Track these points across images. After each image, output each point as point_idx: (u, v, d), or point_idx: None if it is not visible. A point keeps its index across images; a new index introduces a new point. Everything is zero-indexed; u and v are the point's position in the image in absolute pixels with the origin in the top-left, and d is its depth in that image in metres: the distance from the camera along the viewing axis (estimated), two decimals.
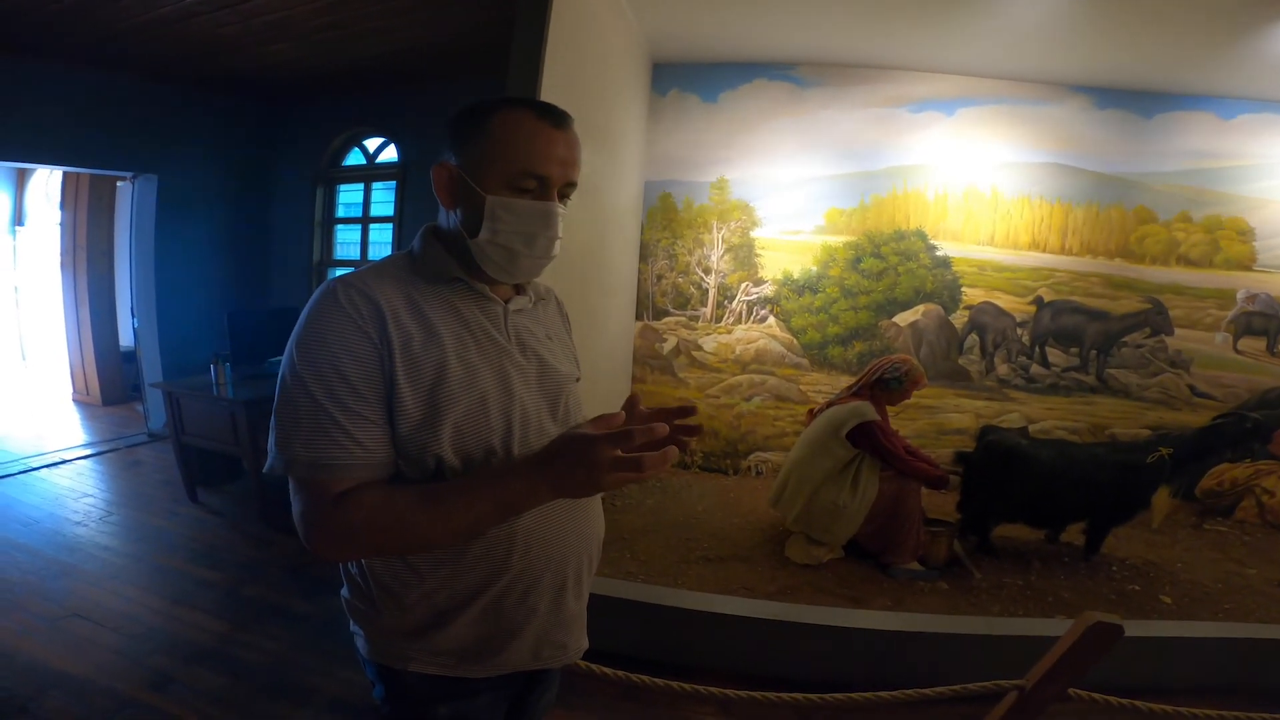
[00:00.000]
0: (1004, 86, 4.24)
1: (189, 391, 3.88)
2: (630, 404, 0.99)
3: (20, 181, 6.80)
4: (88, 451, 4.78)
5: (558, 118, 0.97)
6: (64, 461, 4.55)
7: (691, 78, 4.38)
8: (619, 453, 0.79)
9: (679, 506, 3.84)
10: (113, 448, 4.90)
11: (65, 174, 5.85)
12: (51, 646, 2.44)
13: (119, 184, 5.71)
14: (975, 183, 4.33)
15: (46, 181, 6.57)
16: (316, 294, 0.92)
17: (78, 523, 3.58)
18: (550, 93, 2.48)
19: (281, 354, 0.92)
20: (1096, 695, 1.78)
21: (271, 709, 2.17)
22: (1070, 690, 1.74)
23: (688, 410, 0.96)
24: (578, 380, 1.15)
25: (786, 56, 4.21)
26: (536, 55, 2.41)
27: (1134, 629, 2.53)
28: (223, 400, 3.72)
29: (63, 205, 5.99)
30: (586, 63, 3.01)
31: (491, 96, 0.99)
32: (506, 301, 1.04)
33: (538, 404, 1.01)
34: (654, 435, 0.79)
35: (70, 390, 6.15)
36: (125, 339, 6.06)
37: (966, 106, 4.28)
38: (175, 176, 5.18)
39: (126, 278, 5.66)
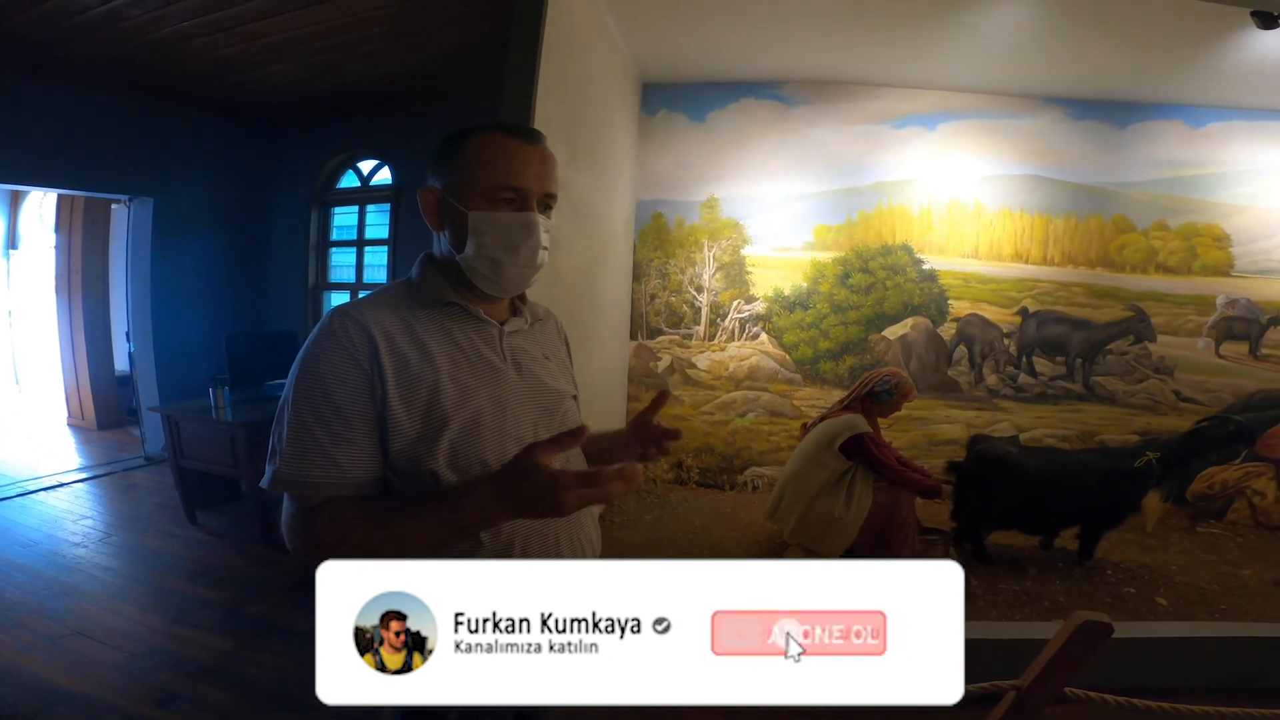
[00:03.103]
0: (982, 100, 4.34)
1: (188, 415, 3.91)
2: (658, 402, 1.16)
3: (14, 204, 6.82)
4: (84, 475, 4.78)
5: (529, 134, 1.05)
6: (60, 485, 4.54)
7: (680, 98, 4.46)
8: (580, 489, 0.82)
9: (676, 521, 3.88)
10: (109, 471, 4.90)
11: (60, 196, 5.87)
12: (54, 664, 2.46)
13: (114, 207, 5.74)
14: (958, 196, 4.42)
15: (40, 204, 6.59)
16: (320, 323, 1.00)
17: (77, 544, 3.59)
18: (543, 115, 2.54)
19: (280, 377, 1.01)
20: (1093, 694, 1.82)
21: None
22: (1066, 690, 1.79)
23: (659, 402, 1.13)
24: (575, 397, 1.20)
25: (772, 75, 4.30)
26: (530, 79, 2.48)
27: (1131, 630, 2.59)
28: (222, 424, 3.74)
29: (57, 228, 6.02)
30: (577, 85, 3.08)
31: (469, 123, 1.07)
32: (502, 323, 1.10)
33: (533, 421, 1.06)
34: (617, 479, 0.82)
35: (65, 414, 6.14)
36: (120, 363, 6.06)
37: (947, 121, 4.38)
38: (171, 199, 5.21)
39: (122, 301, 5.68)
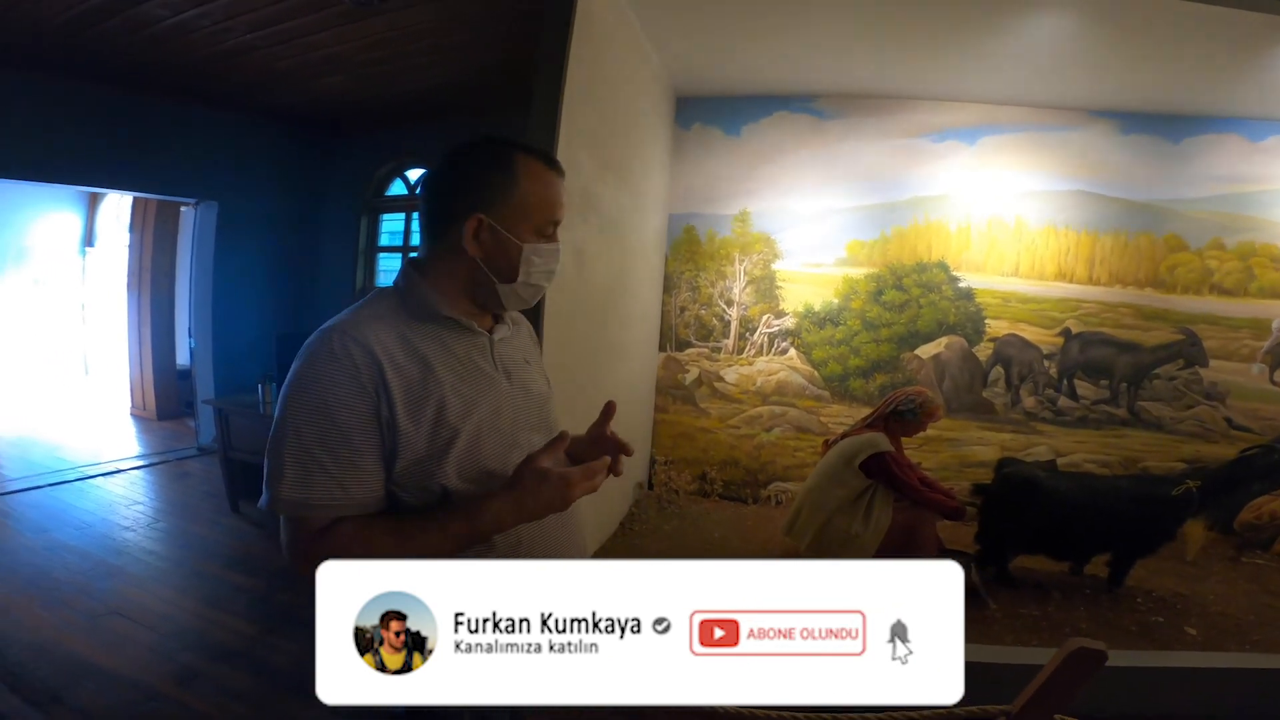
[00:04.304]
0: (1026, 113, 4.22)
1: (237, 408, 4.11)
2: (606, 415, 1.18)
3: (92, 204, 7.26)
4: (141, 462, 5.07)
5: (558, 165, 1.11)
6: (118, 471, 4.83)
7: (714, 111, 4.46)
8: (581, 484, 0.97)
9: (696, 533, 3.89)
10: (164, 460, 5.18)
11: (135, 199, 6.24)
12: (90, 641, 2.62)
13: (183, 209, 6.07)
14: (999, 213, 4.31)
15: (118, 205, 7.00)
16: (313, 342, 0.99)
17: (126, 528, 3.81)
18: (569, 129, 2.60)
19: None
20: None
21: (286, 708, 2.30)
22: (1056, 717, 1.75)
23: (609, 412, 1.18)
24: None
25: (807, 89, 4.27)
26: (555, 95, 2.55)
27: (1147, 659, 2.52)
28: (268, 418, 3.92)
29: (132, 228, 6.40)
30: (607, 99, 3.13)
31: (496, 140, 1.08)
32: (490, 333, 1.12)
33: (527, 427, 1.12)
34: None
35: (129, 404, 6.50)
36: (182, 358, 6.39)
37: (989, 135, 4.27)
38: (234, 203, 5.50)
39: (186, 299, 6.00)
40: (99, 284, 7.18)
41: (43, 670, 2.40)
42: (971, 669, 2.57)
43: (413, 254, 4.74)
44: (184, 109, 5.02)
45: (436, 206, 1.09)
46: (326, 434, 0.94)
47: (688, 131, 4.51)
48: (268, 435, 0.97)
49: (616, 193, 3.39)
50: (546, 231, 1.08)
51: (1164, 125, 4.15)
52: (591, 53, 2.79)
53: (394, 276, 1.11)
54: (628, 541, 3.67)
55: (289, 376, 0.98)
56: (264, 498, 0.98)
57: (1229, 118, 4.08)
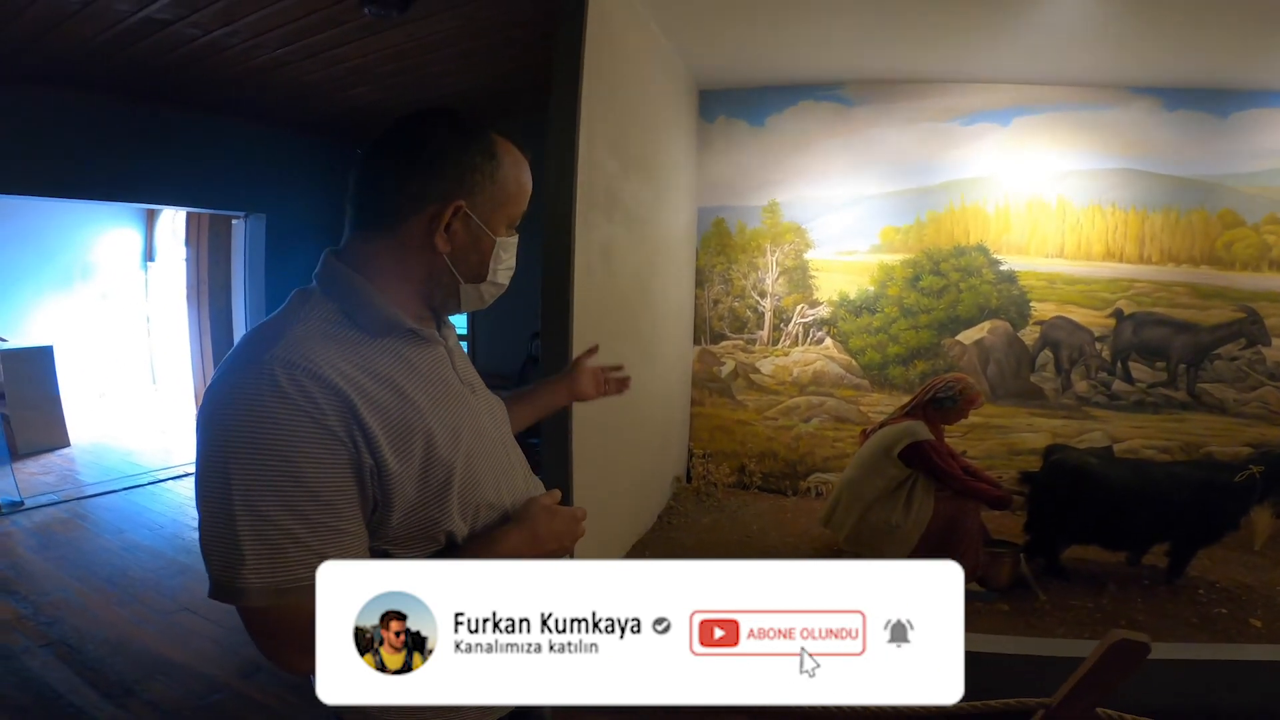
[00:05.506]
0: (1062, 93, 4.08)
1: None
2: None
3: (150, 221, 7.59)
4: None
5: (527, 150, 0.97)
6: (187, 475, 5.04)
7: (738, 103, 4.43)
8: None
9: (734, 525, 3.90)
10: None
11: (188, 214, 6.51)
12: (161, 636, 2.76)
13: (234, 222, 6.30)
14: (1039, 193, 4.18)
15: (173, 220, 7.30)
16: (244, 380, 0.76)
17: (195, 528, 3.98)
18: (589, 129, 2.64)
19: None
20: (1127, 715, 1.74)
21: None
22: (1098, 710, 1.71)
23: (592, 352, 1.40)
24: None
25: (831, 76, 4.21)
26: (573, 96, 2.58)
27: (1207, 652, 2.45)
28: None
29: (187, 242, 6.68)
30: (626, 96, 3.15)
31: (462, 116, 0.91)
32: (445, 340, 0.96)
33: (501, 440, 1.01)
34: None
35: (194, 411, 6.80)
36: None
37: (1022, 115, 4.15)
38: (280, 216, 5.69)
39: (242, 309, 6.25)
40: (161, 297, 7.51)
41: (118, 665, 2.55)
42: (1013, 661, 2.55)
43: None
44: (226, 124, 5.20)
45: (398, 189, 0.87)
46: (293, 499, 0.74)
47: (712, 124, 4.50)
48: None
49: (641, 189, 3.40)
50: (516, 223, 0.94)
51: (1210, 100, 3.98)
52: (607, 52, 2.81)
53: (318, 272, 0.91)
54: (665, 535, 3.69)
55: (213, 430, 0.76)
56: (213, 587, 0.76)
57: (1278, 91, 3.89)
